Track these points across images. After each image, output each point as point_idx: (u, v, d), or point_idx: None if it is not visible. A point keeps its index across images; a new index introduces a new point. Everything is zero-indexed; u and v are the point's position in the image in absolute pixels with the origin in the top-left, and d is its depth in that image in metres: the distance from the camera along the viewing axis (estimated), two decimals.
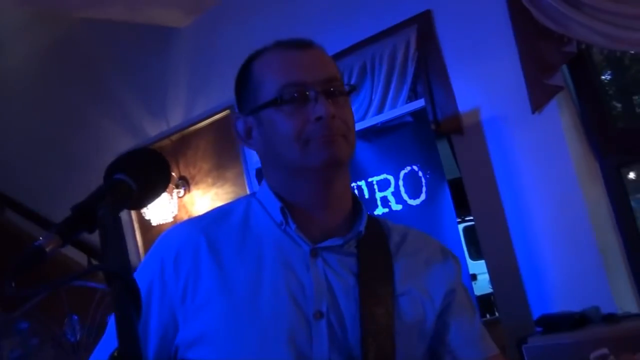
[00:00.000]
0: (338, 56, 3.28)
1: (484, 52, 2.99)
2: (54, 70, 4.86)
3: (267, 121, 1.05)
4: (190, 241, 1.04)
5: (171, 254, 1.03)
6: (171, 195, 3.97)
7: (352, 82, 3.22)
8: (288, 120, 1.03)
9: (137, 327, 0.70)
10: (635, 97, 3.28)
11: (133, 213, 4.19)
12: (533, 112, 2.82)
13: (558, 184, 2.84)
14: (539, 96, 2.81)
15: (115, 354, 0.67)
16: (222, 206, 1.16)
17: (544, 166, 2.88)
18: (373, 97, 3.19)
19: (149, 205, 0.83)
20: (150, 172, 0.93)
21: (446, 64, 3.09)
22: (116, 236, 0.78)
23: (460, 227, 3.55)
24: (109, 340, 1.06)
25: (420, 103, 2.70)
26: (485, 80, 2.99)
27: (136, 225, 4.20)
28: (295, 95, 1.03)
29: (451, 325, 1.10)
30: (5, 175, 4.93)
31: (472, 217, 3.06)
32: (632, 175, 2.99)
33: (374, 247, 1.09)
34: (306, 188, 1.07)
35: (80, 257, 4.32)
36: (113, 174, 0.89)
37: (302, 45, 1.08)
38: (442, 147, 3.18)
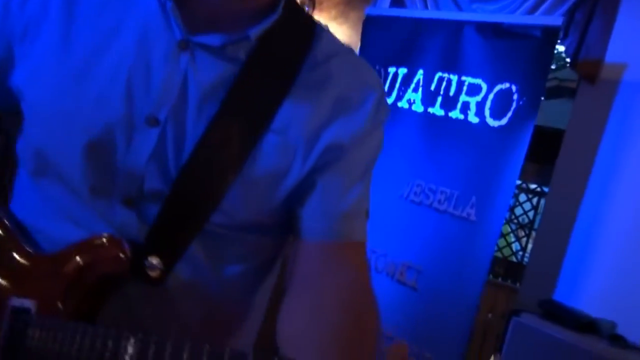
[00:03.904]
0: None
1: None
2: None
3: None
4: None
5: None
6: None
7: None
8: None
9: None
10: None
11: None
12: None
13: None
14: None
15: None
16: None
17: None
18: None
19: None
20: None
21: (620, 3, 2.61)
22: None
23: None
24: None
25: (557, 20, 2.28)
26: None
27: None
28: None
29: (317, 185, 0.84)
30: None
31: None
32: None
33: (272, 60, 0.83)
34: None
35: None
36: None
37: None
38: None
